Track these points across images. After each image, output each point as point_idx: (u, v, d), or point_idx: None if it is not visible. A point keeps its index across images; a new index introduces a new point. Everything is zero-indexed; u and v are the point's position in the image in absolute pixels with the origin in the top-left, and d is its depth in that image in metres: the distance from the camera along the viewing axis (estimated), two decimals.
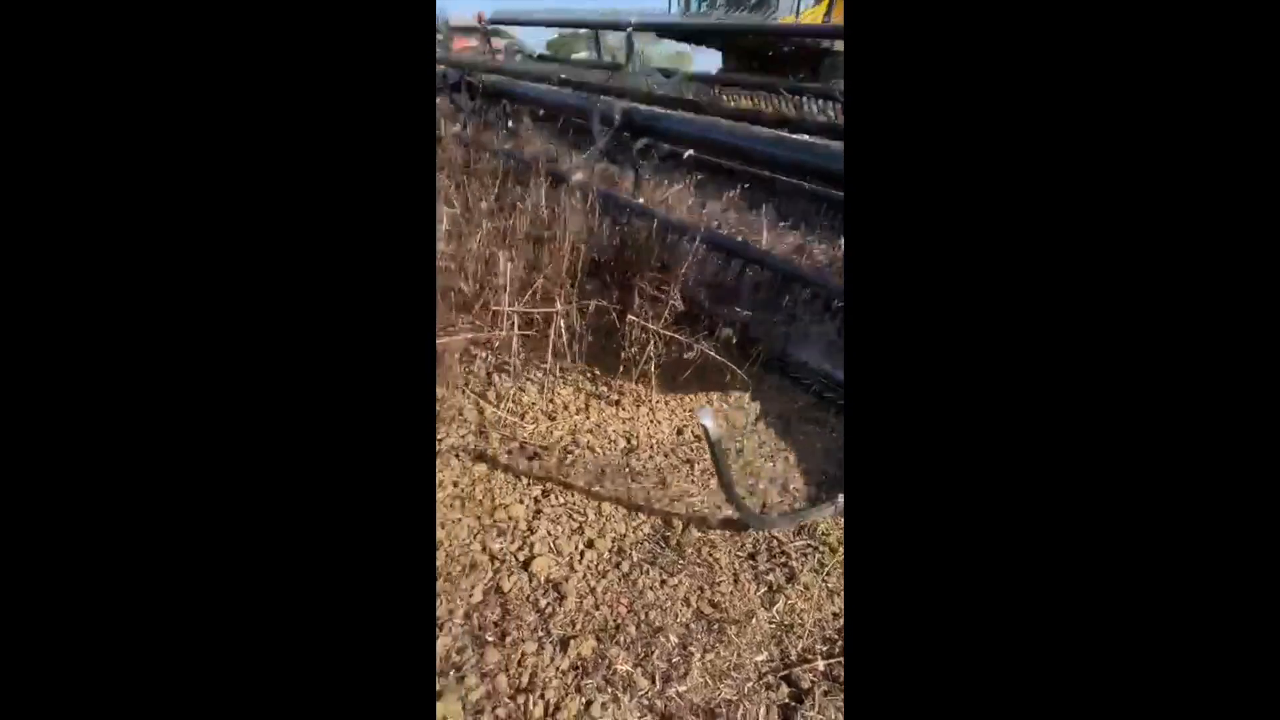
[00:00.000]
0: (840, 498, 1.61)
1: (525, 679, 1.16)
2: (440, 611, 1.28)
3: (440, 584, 1.34)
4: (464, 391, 1.93)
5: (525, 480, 1.68)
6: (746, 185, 3.11)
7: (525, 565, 1.41)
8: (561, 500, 1.62)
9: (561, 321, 1.86)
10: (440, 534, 1.47)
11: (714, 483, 1.74)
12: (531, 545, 1.46)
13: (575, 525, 1.54)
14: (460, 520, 1.52)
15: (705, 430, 1.36)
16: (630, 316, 2.00)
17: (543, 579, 1.38)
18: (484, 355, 1.98)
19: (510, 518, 1.54)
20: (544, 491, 1.64)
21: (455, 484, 1.64)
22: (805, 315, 2.20)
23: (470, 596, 1.32)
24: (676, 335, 1.96)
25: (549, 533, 1.51)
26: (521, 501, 1.60)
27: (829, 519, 1.60)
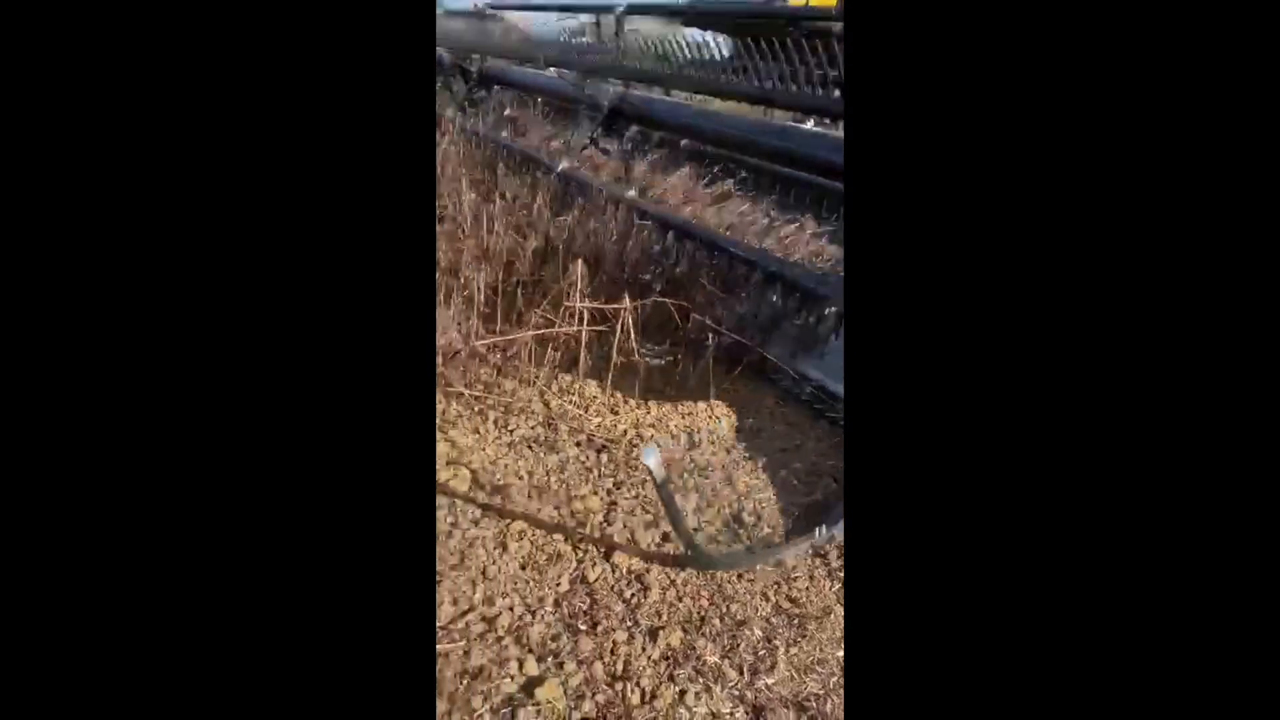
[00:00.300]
0: (818, 532, 1.51)
1: (620, 667, 1.20)
2: (531, 599, 1.33)
3: (528, 572, 1.39)
4: (532, 384, 1.98)
5: (597, 472, 1.72)
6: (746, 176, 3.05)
7: (607, 556, 1.45)
8: (634, 494, 1.66)
9: (630, 318, 1.89)
10: (522, 523, 1.52)
11: (782, 474, 1.78)
12: (611, 537, 1.51)
13: (649, 518, 1.58)
14: (540, 511, 1.56)
15: (649, 471, 1.29)
16: (695, 315, 2.03)
17: (625, 569, 1.42)
18: (550, 350, 2.02)
19: (586, 509, 1.59)
20: (616, 484, 1.69)
21: (530, 474, 1.69)
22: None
23: (558, 585, 1.37)
24: (739, 338, 1.99)
25: (625, 525, 1.55)
26: (595, 493, 1.64)
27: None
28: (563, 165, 3.09)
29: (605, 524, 1.55)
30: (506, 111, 4.15)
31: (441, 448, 1.73)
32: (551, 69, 4.18)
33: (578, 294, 1.86)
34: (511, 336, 1.83)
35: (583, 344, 1.89)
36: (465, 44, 4.88)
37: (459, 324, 1.88)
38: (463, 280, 1.99)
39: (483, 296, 2.02)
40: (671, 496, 1.38)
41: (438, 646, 1.20)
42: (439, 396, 1.87)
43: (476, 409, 1.89)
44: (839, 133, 2.80)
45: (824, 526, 1.51)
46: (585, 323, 1.87)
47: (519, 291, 1.98)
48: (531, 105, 4.10)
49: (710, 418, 2.02)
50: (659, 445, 1.57)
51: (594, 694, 1.15)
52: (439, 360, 1.76)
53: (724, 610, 1.35)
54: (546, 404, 1.96)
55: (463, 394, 1.79)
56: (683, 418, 2.01)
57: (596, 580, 1.39)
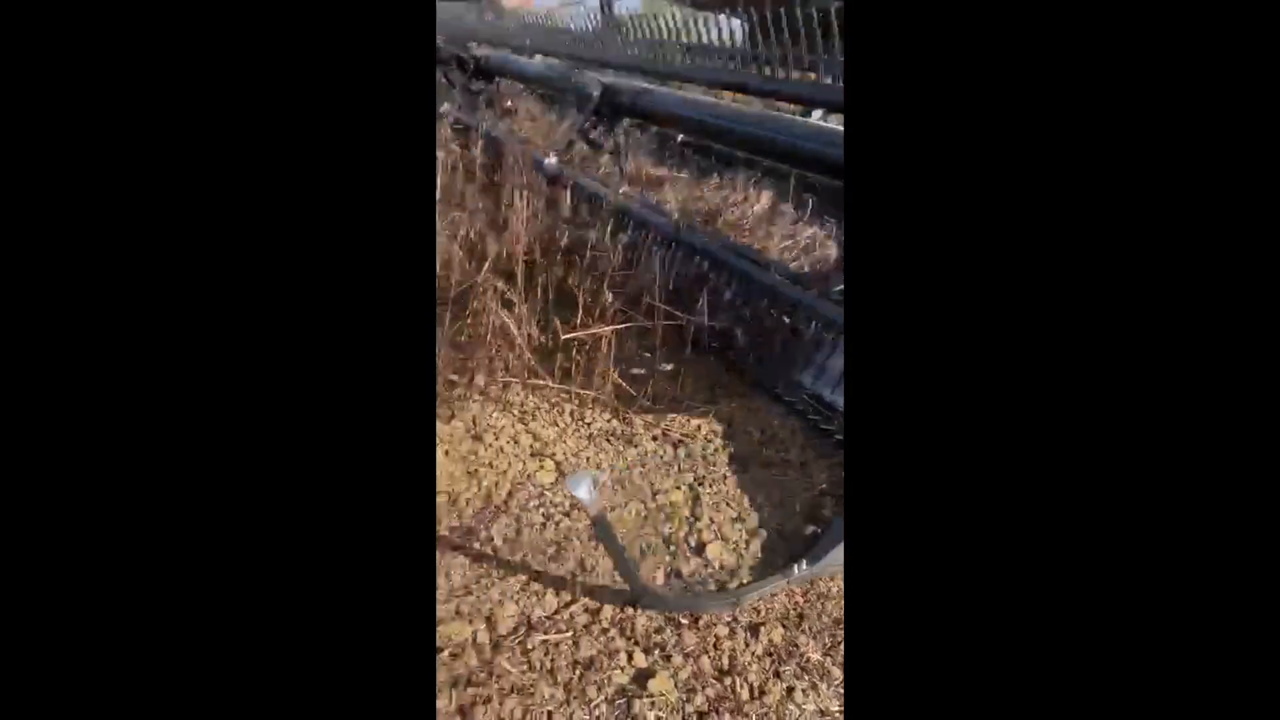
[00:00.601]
0: (797, 568, 1.36)
1: (725, 662, 1.22)
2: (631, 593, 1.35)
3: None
4: (606, 378, 1.99)
5: (677, 467, 1.73)
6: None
7: (699, 551, 1.47)
8: (717, 489, 1.67)
9: (706, 314, 1.89)
10: (612, 516, 1.53)
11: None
12: (699, 532, 1.52)
13: (735, 514, 1.59)
14: (627, 504, 1.58)
15: (582, 505, 1.08)
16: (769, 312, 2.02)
17: (717, 565, 1.44)
18: (627, 344, 2.03)
19: (671, 503, 1.60)
20: (698, 479, 1.70)
21: (612, 467, 1.70)
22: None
23: (654, 579, 1.38)
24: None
25: (712, 519, 1.56)
26: (679, 488, 1.66)
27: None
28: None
29: (692, 518, 1.56)
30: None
31: (524, 440, 1.76)
32: (538, 56, 4.01)
33: (656, 290, 1.87)
34: (594, 330, 1.85)
35: (658, 339, 1.89)
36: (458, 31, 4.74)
37: (537, 318, 1.89)
38: (536, 276, 2.00)
39: (553, 293, 2.04)
40: (610, 531, 1.22)
41: (548, 636, 1.22)
42: (518, 389, 1.89)
43: (553, 402, 1.91)
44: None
45: (802, 563, 1.37)
46: (661, 318, 1.88)
47: (604, 287, 1.99)
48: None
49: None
50: (592, 473, 1.34)
51: (704, 688, 1.16)
52: (526, 352, 1.77)
53: (820, 608, 1.35)
54: (618, 397, 1.97)
55: (548, 386, 1.80)
56: (753, 414, 2.01)
57: (691, 575, 1.40)
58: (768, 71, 2.30)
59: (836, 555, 1.38)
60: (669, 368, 2.04)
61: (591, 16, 3.52)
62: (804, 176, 2.80)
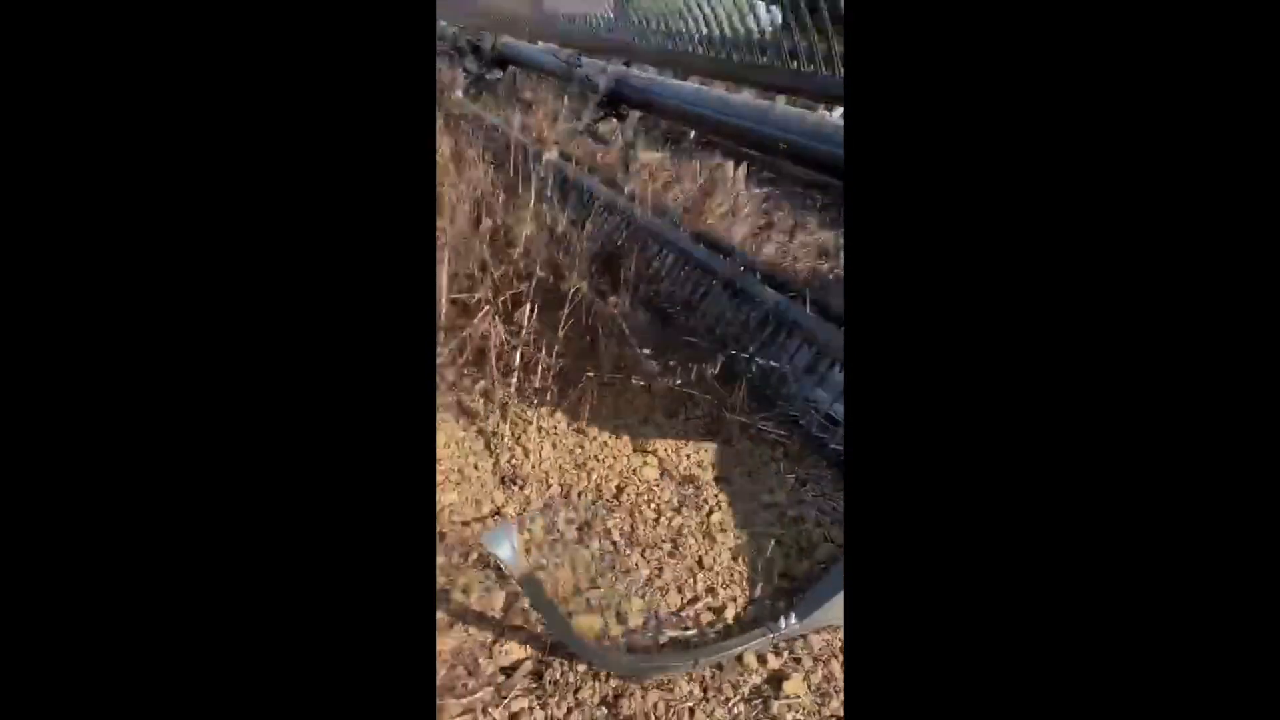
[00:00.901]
0: (784, 622, 1.21)
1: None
2: (752, 590, 1.35)
3: (740, 564, 1.41)
4: (700, 378, 1.99)
5: (778, 465, 1.73)
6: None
7: (809, 552, 1.46)
8: (819, 492, 1.66)
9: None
10: (717, 518, 1.53)
11: None
12: (807, 533, 1.51)
13: (834, 510, 1.58)
14: (734, 505, 1.58)
15: (505, 565, 0.98)
16: None
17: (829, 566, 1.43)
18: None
19: (775, 503, 1.60)
20: (800, 480, 1.69)
21: (713, 465, 1.70)
22: None
23: (771, 579, 1.38)
24: None
25: (819, 523, 1.55)
26: (783, 487, 1.65)
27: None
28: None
29: (799, 519, 1.55)
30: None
31: (625, 435, 1.76)
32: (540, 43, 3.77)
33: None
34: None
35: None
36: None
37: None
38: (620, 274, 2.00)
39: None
40: (540, 593, 1.07)
41: (676, 633, 1.23)
42: (618, 384, 1.90)
43: (650, 397, 1.91)
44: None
45: (790, 615, 1.23)
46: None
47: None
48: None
49: None
50: (512, 524, 1.21)
51: (837, 693, 1.16)
52: (636, 347, 1.78)
53: None
54: (707, 397, 1.97)
55: (658, 381, 1.81)
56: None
57: (801, 574, 1.40)
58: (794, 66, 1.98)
59: (833, 609, 1.23)
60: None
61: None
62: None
